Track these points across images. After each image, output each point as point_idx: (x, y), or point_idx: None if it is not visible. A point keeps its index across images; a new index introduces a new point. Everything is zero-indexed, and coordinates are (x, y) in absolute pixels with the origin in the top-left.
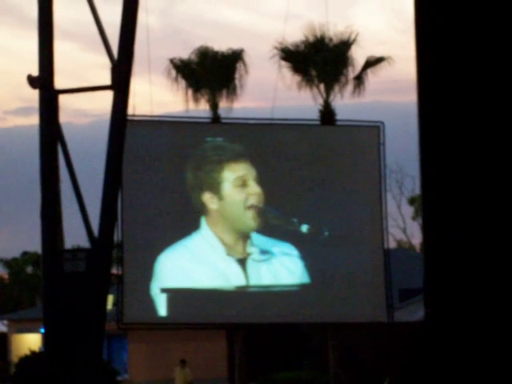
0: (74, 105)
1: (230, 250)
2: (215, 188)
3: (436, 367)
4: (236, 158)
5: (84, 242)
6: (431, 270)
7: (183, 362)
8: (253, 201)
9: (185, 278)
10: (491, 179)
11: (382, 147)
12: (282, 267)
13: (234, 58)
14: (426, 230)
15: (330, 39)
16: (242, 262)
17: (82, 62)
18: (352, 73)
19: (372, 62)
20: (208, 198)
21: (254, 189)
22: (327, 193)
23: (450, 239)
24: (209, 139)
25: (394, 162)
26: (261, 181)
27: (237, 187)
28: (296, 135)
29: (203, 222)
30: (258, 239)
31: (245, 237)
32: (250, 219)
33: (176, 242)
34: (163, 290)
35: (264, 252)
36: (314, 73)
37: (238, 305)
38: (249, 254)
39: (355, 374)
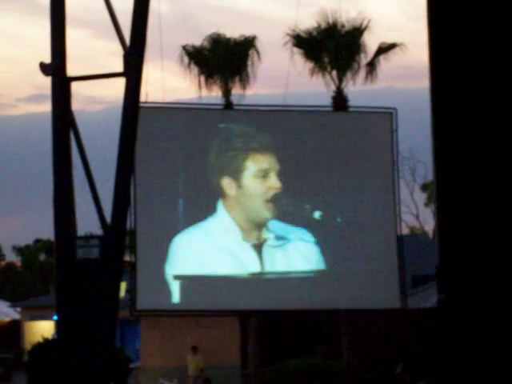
0: (86, 92)
1: (246, 235)
2: (236, 175)
3: (450, 353)
4: (262, 148)
5: (97, 229)
6: (444, 256)
7: (195, 349)
8: (272, 194)
9: (199, 263)
10: (504, 165)
11: (394, 133)
12: (297, 253)
13: (246, 45)
14: (439, 216)
15: (343, 26)
16: (258, 248)
17: (93, 49)
18: (364, 59)
19: (384, 49)
20: (227, 183)
21: (275, 182)
22: (340, 179)
23: (463, 225)
24: (221, 125)
25: (406, 149)
26: (280, 171)
27: (258, 178)
28: (309, 122)
29: (220, 205)
30: (274, 225)
31: (261, 224)
32: (266, 211)
33: (190, 226)
34: (176, 277)
35: (279, 238)
36: (326, 59)
37: (251, 292)
38: (265, 240)
39: (368, 361)
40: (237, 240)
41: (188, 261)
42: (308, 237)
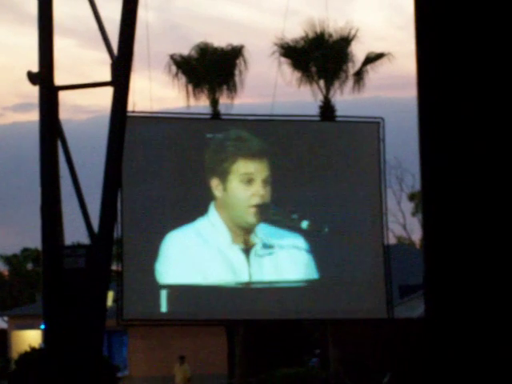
0: (73, 101)
1: (235, 238)
2: (223, 177)
3: (437, 363)
4: (250, 155)
5: (84, 239)
6: (431, 265)
7: (182, 359)
8: (256, 201)
9: (187, 269)
10: (492, 175)
11: (381, 143)
12: (285, 261)
13: (233, 54)
14: (425, 225)
15: (330, 35)
16: (247, 252)
17: (80, 58)
18: (352, 69)
19: (372, 58)
20: (215, 185)
21: (258, 189)
22: (327, 189)
23: (450, 235)
24: (209, 135)
25: (393, 158)
26: (267, 179)
27: (242, 183)
28: (296, 131)
29: (212, 206)
30: (263, 230)
31: (247, 229)
32: (249, 216)
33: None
34: (164, 286)
35: (268, 245)
36: (313, 69)
37: (239, 301)
38: (253, 245)
39: (355, 371)
40: (226, 242)
41: (177, 266)
42: (300, 243)
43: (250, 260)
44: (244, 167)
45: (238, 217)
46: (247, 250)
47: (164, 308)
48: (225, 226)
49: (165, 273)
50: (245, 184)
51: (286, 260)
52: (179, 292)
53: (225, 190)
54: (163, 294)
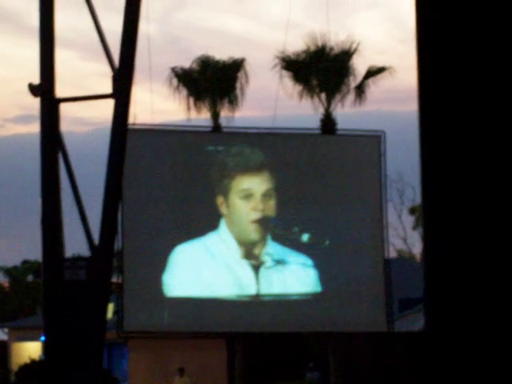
0: (74, 113)
1: (244, 254)
2: (226, 194)
3: (437, 377)
4: (248, 170)
5: (84, 251)
6: (431, 279)
7: (181, 371)
8: (256, 216)
9: (191, 284)
10: (494, 189)
11: (382, 157)
12: (291, 276)
13: (235, 67)
14: (426, 239)
15: (331, 49)
16: (255, 267)
17: (81, 71)
18: (353, 82)
19: (373, 72)
20: (221, 202)
21: (257, 204)
22: (328, 202)
23: (450, 249)
24: (210, 148)
25: (394, 172)
26: (268, 193)
27: (241, 199)
28: (297, 145)
29: (222, 222)
30: (271, 247)
31: (253, 244)
32: (252, 231)
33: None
34: (167, 299)
35: (276, 261)
36: (315, 82)
37: (243, 314)
38: (262, 261)
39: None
40: (235, 257)
41: (182, 279)
42: (305, 260)
43: (259, 275)
44: (242, 183)
45: (242, 232)
46: (256, 265)
47: (166, 320)
48: (235, 242)
49: (170, 285)
50: (244, 200)
51: (292, 275)
52: (182, 305)
53: (228, 207)
54: (165, 306)
